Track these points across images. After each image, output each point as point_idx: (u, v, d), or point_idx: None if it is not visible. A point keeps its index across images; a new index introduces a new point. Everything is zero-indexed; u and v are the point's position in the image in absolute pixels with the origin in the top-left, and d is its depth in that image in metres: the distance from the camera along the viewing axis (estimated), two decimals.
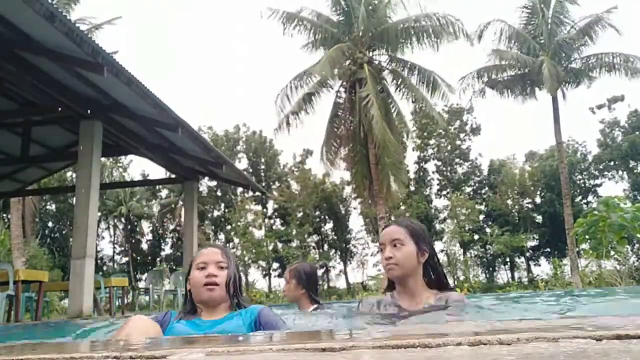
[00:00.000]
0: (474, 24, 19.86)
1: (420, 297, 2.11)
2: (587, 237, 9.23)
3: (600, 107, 32.66)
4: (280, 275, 35.57)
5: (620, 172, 32.72)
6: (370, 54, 20.04)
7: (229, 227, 35.26)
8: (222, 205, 36.82)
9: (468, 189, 35.76)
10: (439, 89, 19.08)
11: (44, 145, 10.02)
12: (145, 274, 31.45)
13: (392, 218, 32.58)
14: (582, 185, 33.91)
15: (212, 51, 73.31)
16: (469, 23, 19.31)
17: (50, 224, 35.65)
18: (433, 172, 36.54)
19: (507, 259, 34.14)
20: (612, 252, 9.12)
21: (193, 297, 2.03)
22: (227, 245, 35.87)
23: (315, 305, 3.11)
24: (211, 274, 1.97)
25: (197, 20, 75.94)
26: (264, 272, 35.34)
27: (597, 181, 33.77)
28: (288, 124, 19.84)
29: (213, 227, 36.83)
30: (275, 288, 34.79)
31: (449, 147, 35.86)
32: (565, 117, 37.20)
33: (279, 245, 34.10)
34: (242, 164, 36.14)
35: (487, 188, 35.50)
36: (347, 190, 34.64)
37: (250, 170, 36.15)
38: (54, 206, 34.90)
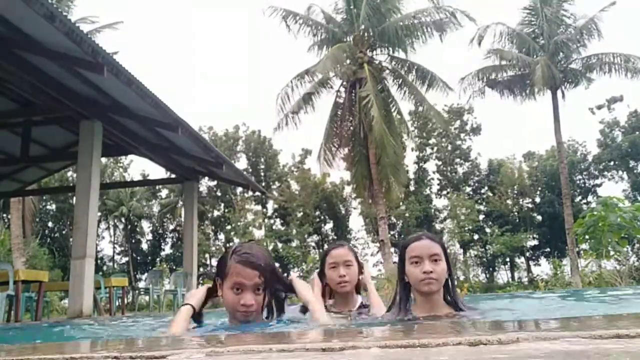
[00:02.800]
0: (474, 24, 19.80)
1: (440, 312, 2.16)
2: (586, 237, 9.23)
3: (599, 107, 32.68)
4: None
5: (620, 172, 32.73)
6: (371, 53, 20.05)
7: (229, 227, 35.27)
8: (222, 205, 36.82)
9: (468, 189, 35.78)
10: (436, 86, 19.13)
11: (44, 145, 10.02)
12: (145, 274, 31.47)
13: (392, 218, 32.64)
14: (582, 185, 33.92)
15: (212, 51, 73.33)
16: (470, 23, 19.27)
17: (50, 224, 35.65)
18: (433, 172, 36.58)
19: (507, 259, 34.15)
20: (612, 252, 9.12)
21: (227, 312, 1.91)
22: (227, 245, 35.90)
23: (360, 300, 2.64)
24: (247, 304, 1.83)
25: (197, 21, 75.99)
26: None
27: (597, 181, 33.79)
28: (287, 123, 19.87)
29: (213, 227, 36.83)
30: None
31: (449, 147, 35.88)
32: (565, 117, 37.18)
33: (279, 245, 34.11)
34: (241, 163, 36.16)
35: (486, 188, 35.53)
36: (347, 190, 34.65)
37: (250, 170, 36.16)
38: (54, 206, 34.91)
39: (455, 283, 2.26)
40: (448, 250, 2.26)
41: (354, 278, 2.56)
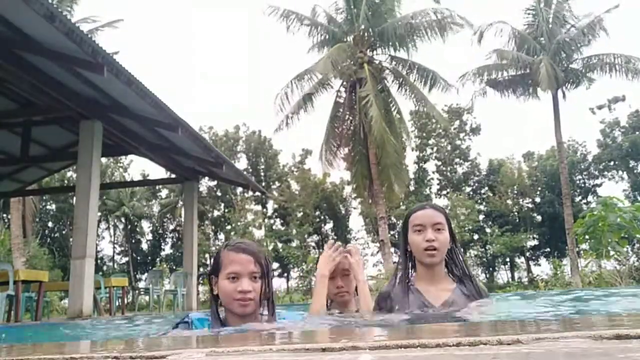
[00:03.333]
0: (476, 25, 19.90)
1: (441, 284, 2.14)
2: (586, 237, 9.23)
3: (600, 107, 32.63)
4: (281, 275, 35.56)
5: (620, 172, 32.72)
6: (371, 53, 20.06)
7: (229, 227, 35.26)
8: (222, 205, 36.82)
9: (468, 189, 35.79)
10: (438, 86, 19.14)
11: (44, 145, 10.02)
12: (145, 274, 31.47)
13: (392, 218, 32.63)
14: (582, 185, 33.92)
15: (212, 51, 73.31)
16: (470, 23, 19.34)
17: (50, 224, 35.65)
18: (433, 172, 36.60)
19: (507, 259, 34.15)
20: (612, 252, 9.12)
21: (223, 304, 1.83)
22: None
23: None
24: (244, 290, 1.76)
25: (197, 21, 75.99)
26: None
27: (597, 181, 33.79)
28: (287, 124, 19.88)
29: (213, 227, 36.82)
30: (276, 288, 34.76)
31: (448, 147, 35.90)
32: (565, 118, 37.18)
33: (279, 245, 34.11)
34: (241, 163, 36.17)
35: (486, 188, 35.53)
36: (347, 190, 34.65)
37: (250, 170, 36.16)
38: (54, 206, 34.91)
39: (462, 257, 2.24)
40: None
41: (352, 288, 2.40)
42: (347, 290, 2.39)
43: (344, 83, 20.12)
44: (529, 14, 22.35)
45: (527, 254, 33.80)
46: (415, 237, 2.13)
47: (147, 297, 13.61)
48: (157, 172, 40.98)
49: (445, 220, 2.15)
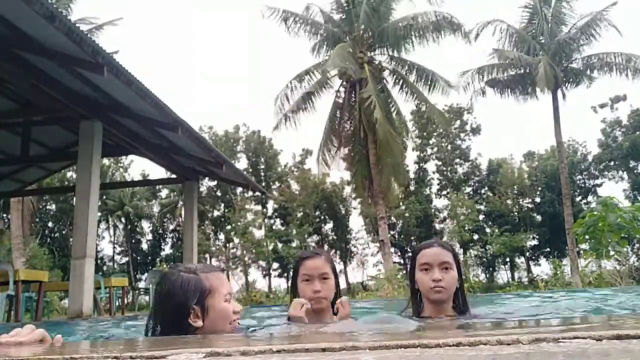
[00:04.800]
0: (474, 23, 19.91)
1: None
2: (586, 237, 9.24)
3: (602, 106, 32.60)
4: (281, 275, 35.55)
5: (620, 172, 32.73)
6: (371, 53, 20.05)
7: (229, 227, 35.27)
8: (222, 205, 36.83)
9: (468, 189, 35.80)
10: (438, 86, 19.13)
11: (44, 145, 10.01)
12: (145, 274, 31.48)
13: (392, 218, 32.63)
14: (582, 185, 33.93)
15: (212, 51, 73.32)
16: (470, 23, 19.41)
17: (50, 224, 35.67)
18: (433, 172, 36.61)
19: (507, 259, 34.16)
20: (612, 252, 9.12)
21: (219, 328, 1.72)
22: (227, 245, 35.93)
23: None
24: (239, 310, 1.77)
25: (197, 21, 75.98)
26: (264, 272, 35.37)
27: (597, 181, 33.81)
28: (286, 123, 19.88)
29: (213, 227, 36.83)
30: (275, 288, 34.83)
31: (449, 147, 35.91)
32: (566, 117, 37.21)
33: (279, 245, 34.11)
34: (241, 163, 36.17)
35: (486, 188, 35.54)
36: (347, 190, 34.67)
37: (250, 170, 36.16)
38: (54, 206, 34.93)
39: (465, 293, 2.22)
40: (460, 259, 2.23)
41: (330, 293, 2.16)
42: (324, 295, 2.14)
43: (344, 83, 20.11)
44: (526, 12, 22.27)
45: (527, 254, 33.81)
46: (421, 275, 2.11)
47: (147, 297, 13.61)
48: (157, 172, 41.03)
49: (453, 259, 2.12)
